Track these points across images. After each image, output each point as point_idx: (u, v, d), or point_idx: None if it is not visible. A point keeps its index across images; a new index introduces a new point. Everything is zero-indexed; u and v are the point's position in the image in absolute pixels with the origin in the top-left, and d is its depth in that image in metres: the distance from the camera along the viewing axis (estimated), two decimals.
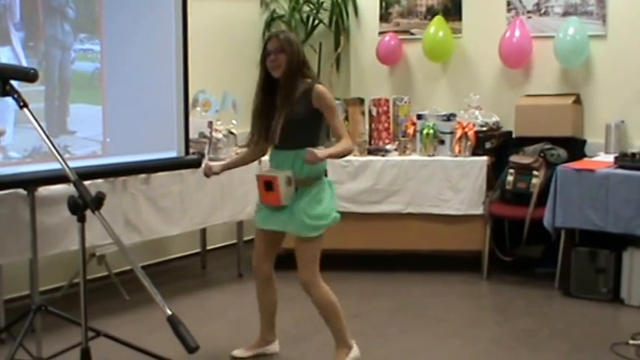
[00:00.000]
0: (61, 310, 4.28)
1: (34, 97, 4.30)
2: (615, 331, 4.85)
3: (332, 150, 4.03)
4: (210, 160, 5.65)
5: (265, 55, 4.11)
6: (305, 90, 4.06)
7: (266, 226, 4.27)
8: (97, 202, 2.70)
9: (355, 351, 4.31)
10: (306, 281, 4.20)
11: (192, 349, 2.64)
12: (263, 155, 4.51)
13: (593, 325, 5.00)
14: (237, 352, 4.52)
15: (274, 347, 4.59)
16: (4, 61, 4.24)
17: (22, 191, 4.47)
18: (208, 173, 4.50)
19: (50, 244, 4.68)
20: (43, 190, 4.55)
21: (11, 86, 2.90)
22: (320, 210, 4.11)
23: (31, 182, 4.44)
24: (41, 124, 2.98)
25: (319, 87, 4.08)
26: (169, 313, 2.64)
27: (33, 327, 4.21)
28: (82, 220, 2.75)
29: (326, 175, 4.19)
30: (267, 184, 4.10)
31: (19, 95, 2.89)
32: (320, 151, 3.92)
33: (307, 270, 4.19)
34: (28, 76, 3.01)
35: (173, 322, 2.64)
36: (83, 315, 2.96)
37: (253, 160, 4.60)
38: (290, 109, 4.05)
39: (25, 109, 2.86)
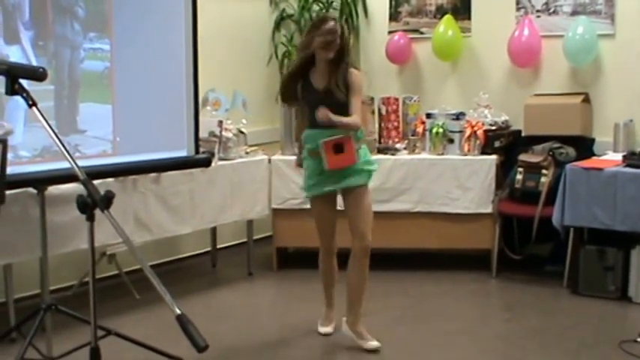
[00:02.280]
0: (72, 309, 4.26)
1: (44, 96, 4.29)
2: (623, 329, 4.82)
3: (342, 118, 4.24)
4: (221, 159, 5.64)
5: (318, 33, 4.26)
6: (346, 72, 4.32)
7: (324, 188, 4.41)
8: (106, 201, 2.67)
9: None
10: (369, 246, 4.40)
11: (201, 348, 2.61)
12: None
13: (601, 323, 4.97)
14: (323, 330, 4.73)
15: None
16: (14, 60, 4.22)
17: (32, 190, 4.45)
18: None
19: (60, 243, 4.66)
20: (54, 189, 4.53)
21: (20, 85, 2.88)
22: (369, 155, 4.49)
23: (41, 181, 4.42)
24: (51, 123, 2.95)
25: (355, 70, 4.37)
26: (178, 312, 2.62)
27: (43, 326, 4.20)
28: (91, 219, 2.72)
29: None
30: (337, 147, 4.25)
31: (28, 94, 2.87)
32: (332, 115, 4.19)
33: (370, 232, 4.38)
34: (37, 74, 2.99)
35: (182, 322, 2.62)
36: (92, 314, 2.94)
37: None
38: (339, 83, 4.27)
39: (34, 108, 2.83)
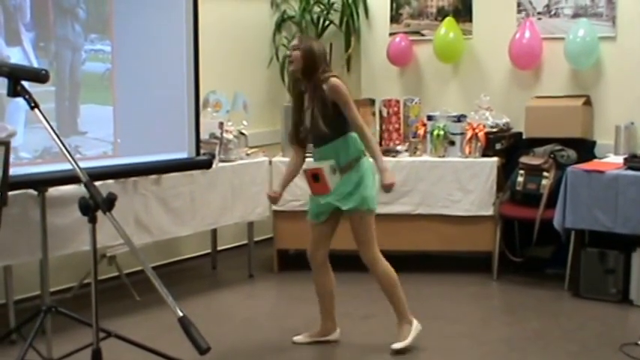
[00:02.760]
0: (71, 310, 4.27)
1: (45, 97, 4.28)
2: (624, 332, 4.82)
3: (381, 159, 4.35)
4: (221, 161, 5.64)
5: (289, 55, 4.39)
6: (323, 86, 4.27)
7: (319, 218, 4.49)
8: (108, 203, 2.68)
9: (417, 325, 4.57)
10: (370, 259, 4.44)
11: (203, 350, 2.62)
12: (304, 155, 4.63)
13: (603, 326, 4.97)
14: (297, 338, 4.68)
15: (335, 335, 4.71)
16: (15, 61, 4.23)
17: (32, 192, 4.45)
18: (275, 201, 4.69)
19: (61, 244, 4.67)
20: (54, 191, 4.53)
21: (22, 87, 2.88)
22: (371, 177, 4.43)
23: (41, 183, 4.42)
24: (52, 124, 2.96)
25: (333, 80, 4.28)
26: (180, 314, 2.62)
27: (43, 328, 4.20)
28: (93, 221, 2.72)
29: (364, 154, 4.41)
30: (314, 176, 4.36)
31: (30, 96, 2.87)
32: (389, 176, 4.34)
33: (369, 248, 4.43)
34: (40, 76, 3.00)
35: (184, 324, 2.62)
36: (94, 315, 2.94)
37: (302, 164, 4.61)
38: (316, 107, 4.28)
39: (36, 110, 2.84)
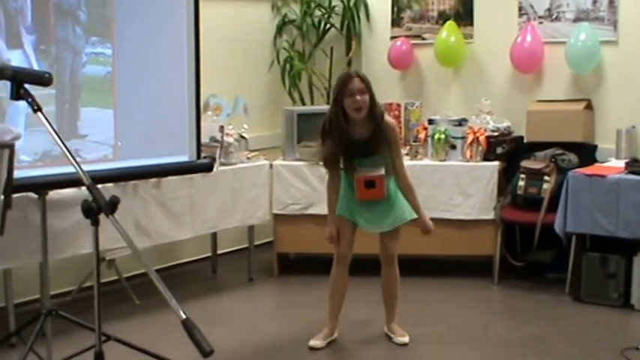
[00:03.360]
0: (71, 314, 4.27)
1: (45, 100, 4.26)
2: (626, 337, 4.83)
3: (417, 202, 4.61)
4: (222, 164, 5.65)
5: (346, 94, 4.34)
6: (381, 121, 4.43)
7: (354, 218, 4.61)
8: (111, 206, 2.69)
9: None
10: (394, 255, 4.70)
11: (207, 353, 2.63)
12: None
13: (604, 331, 4.98)
14: (315, 343, 4.68)
15: (337, 333, 4.80)
16: (16, 64, 4.24)
17: (32, 195, 4.47)
18: (335, 238, 4.67)
19: (61, 247, 4.68)
20: (54, 194, 4.55)
21: (25, 90, 2.90)
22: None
23: (41, 186, 4.44)
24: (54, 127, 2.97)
25: (389, 120, 4.52)
26: (184, 316, 2.63)
27: (43, 331, 4.21)
28: (95, 224, 2.74)
29: None
30: (368, 183, 4.46)
31: (33, 99, 2.89)
32: (428, 223, 4.64)
33: (396, 245, 4.68)
34: (43, 80, 3.01)
35: (188, 326, 2.63)
36: (97, 319, 2.95)
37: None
38: (378, 145, 4.43)
39: (39, 113, 2.85)
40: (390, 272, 4.73)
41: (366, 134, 4.42)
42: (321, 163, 4.55)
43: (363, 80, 4.35)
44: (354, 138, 4.42)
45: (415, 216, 4.60)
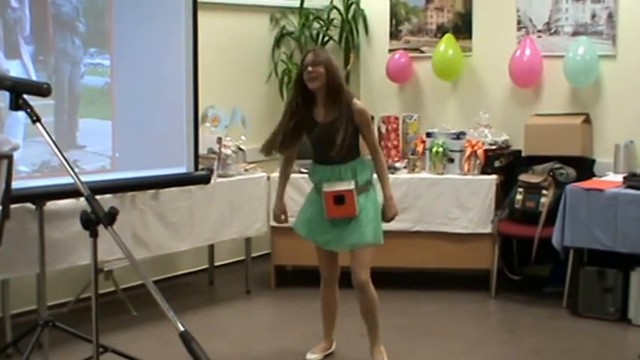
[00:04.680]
0: (68, 325, 4.28)
1: (43, 110, 4.27)
2: (622, 351, 4.85)
3: (389, 186, 4.39)
4: (219, 176, 5.66)
5: (302, 69, 4.27)
6: (347, 106, 4.24)
7: (319, 239, 4.45)
8: (110, 217, 2.69)
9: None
10: (364, 281, 4.37)
11: None
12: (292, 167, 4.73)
13: (601, 345, 4.99)
14: (311, 357, 4.65)
15: (333, 347, 4.77)
16: (14, 74, 4.25)
17: (30, 205, 4.48)
18: (280, 220, 4.71)
19: (58, 258, 4.68)
20: (52, 205, 4.56)
21: (24, 100, 2.90)
22: (378, 204, 4.41)
23: (39, 196, 4.45)
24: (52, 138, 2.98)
25: (357, 102, 4.30)
26: (182, 329, 2.63)
27: (40, 342, 4.21)
28: (94, 235, 2.74)
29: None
30: (337, 199, 4.25)
31: (32, 109, 2.89)
32: (394, 205, 4.36)
33: (366, 271, 4.38)
34: (42, 90, 3.02)
35: (186, 339, 2.62)
36: (94, 330, 2.95)
37: (291, 171, 4.73)
38: (342, 126, 4.20)
39: (38, 124, 2.86)
40: (364, 298, 4.43)
41: (330, 118, 4.24)
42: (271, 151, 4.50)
43: (319, 54, 4.25)
44: (317, 120, 4.29)
45: (381, 242, 4.40)
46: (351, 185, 4.25)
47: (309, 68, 4.20)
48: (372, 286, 4.42)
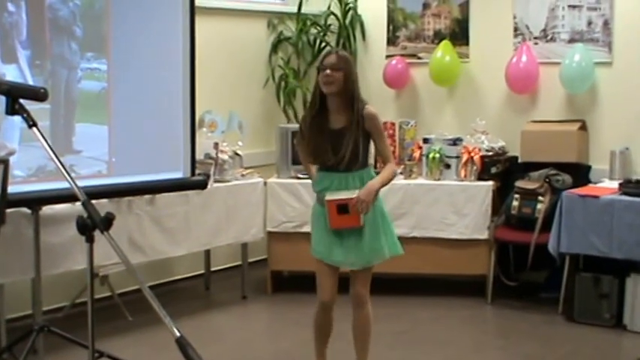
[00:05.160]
0: (63, 330, 4.26)
1: (40, 115, 4.27)
2: (618, 357, 4.85)
3: (383, 178, 4.07)
4: (216, 181, 5.65)
5: (320, 69, 4.04)
6: (359, 113, 4.03)
7: (333, 258, 4.13)
8: (107, 222, 2.68)
9: None
10: (364, 295, 4.19)
11: None
12: None
13: (596, 351, 4.99)
14: None
15: None
16: (10, 78, 4.24)
17: (26, 210, 4.46)
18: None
19: (54, 263, 4.67)
20: (47, 210, 4.54)
21: (20, 105, 2.89)
22: (392, 226, 4.22)
23: (35, 201, 4.44)
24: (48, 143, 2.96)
25: (370, 108, 4.09)
26: (178, 334, 2.61)
27: (35, 348, 4.19)
28: (90, 240, 2.73)
29: None
30: (340, 208, 4.00)
31: (29, 114, 2.88)
32: (372, 185, 4.00)
33: (367, 285, 4.20)
34: (38, 95, 3.01)
35: (182, 344, 2.61)
36: (90, 335, 2.93)
37: None
38: (354, 133, 4.01)
39: (34, 129, 2.85)
40: (362, 314, 4.22)
41: (342, 123, 4.02)
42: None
43: (341, 58, 4.02)
44: (329, 127, 4.05)
45: (399, 252, 4.22)
46: (355, 194, 3.99)
47: (328, 71, 3.98)
48: (369, 303, 4.23)
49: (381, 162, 4.20)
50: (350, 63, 4.08)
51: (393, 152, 6.26)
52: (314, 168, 4.23)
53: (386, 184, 4.11)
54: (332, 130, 4.05)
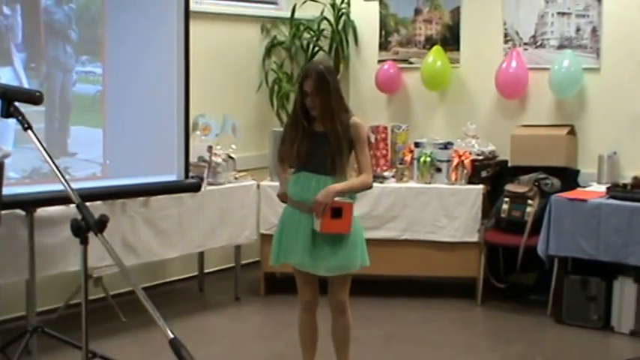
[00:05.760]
0: (57, 331, 4.23)
1: (35, 117, 4.23)
2: (605, 358, 4.85)
3: (348, 184, 3.95)
4: (210, 184, 5.63)
5: (302, 91, 3.96)
6: (345, 122, 3.96)
7: (317, 271, 4.03)
8: (100, 224, 2.65)
9: None
10: (344, 302, 4.10)
11: None
12: None
13: (584, 352, 5.00)
14: None
15: None
16: (5, 81, 4.21)
17: (20, 212, 4.43)
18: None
19: (48, 265, 4.64)
20: (42, 211, 4.51)
21: (15, 108, 2.86)
22: (363, 232, 4.10)
23: (30, 203, 4.41)
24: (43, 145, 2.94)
25: (356, 120, 4.01)
26: (171, 336, 2.58)
27: (29, 349, 4.16)
28: (84, 242, 2.70)
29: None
30: (335, 211, 3.82)
31: (24, 117, 2.85)
32: (332, 188, 3.86)
33: (346, 292, 4.10)
34: (34, 98, 2.98)
35: (175, 346, 2.58)
36: (84, 336, 2.90)
37: None
38: (339, 138, 3.93)
39: (29, 131, 2.82)
40: (341, 320, 4.13)
41: (325, 128, 3.94)
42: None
43: (318, 83, 3.88)
44: (314, 129, 3.97)
45: (367, 263, 4.06)
46: (347, 200, 3.90)
47: (309, 98, 3.93)
48: (348, 309, 4.13)
49: (358, 173, 4.06)
50: (327, 82, 3.93)
51: (385, 156, 6.26)
52: (288, 173, 4.14)
53: (351, 192, 3.98)
54: (316, 132, 3.98)
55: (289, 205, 4.10)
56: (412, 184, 6.04)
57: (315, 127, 4.00)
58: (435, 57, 6.50)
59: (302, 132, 4.01)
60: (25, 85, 4.39)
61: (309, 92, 3.91)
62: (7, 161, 4.25)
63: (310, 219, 3.92)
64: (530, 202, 5.72)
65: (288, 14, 6.95)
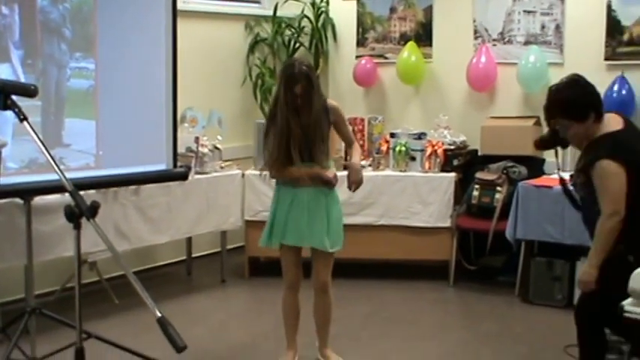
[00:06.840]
0: (54, 312, 4.25)
1: (31, 111, 4.24)
2: (569, 335, 4.82)
3: (359, 156, 4.34)
4: (197, 173, 5.64)
5: (288, 91, 4.01)
6: (323, 108, 4.13)
7: (302, 243, 4.21)
8: (92, 210, 2.68)
9: None
10: (327, 282, 4.25)
11: (180, 348, 2.61)
12: None
13: (549, 329, 5.04)
14: None
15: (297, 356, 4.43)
16: (3, 76, 4.21)
17: (18, 200, 4.43)
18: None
19: (45, 250, 4.64)
20: (39, 200, 4.52)
21: (12, 101, 2.88)
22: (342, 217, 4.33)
23: (27, 192, 4.41)
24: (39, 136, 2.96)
25: (332, 102, 4.25)
26: (159, 315, 2.61)
27: (27, 328, 4.17)
28: (77, 227, 2.72)
29: None
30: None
31: (20, 109, 2.88)
32: (357, 164, 4.26)
33: (329, 273, 4.26)
34: (29, 91, 3.01)
35: (162, 324, 2.61)
36: (78, 317, 2.93)
37: None
38: (321, 126, 4.11)
39: (25, 123, 2.84)
40: (325, 300, 4.26)
41: (307, 121, 4.03)
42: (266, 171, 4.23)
43: (306, 87, 4.00)
44: (302, 123, 4.05)
45: (340, 247, 4.22)
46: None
47: (298, 101, 4.00)
48: (331, 288, 4.26)
49: (347, 146, 4.41)
50: (313, 83, 4.05)
51: (362, 146, 6.30)
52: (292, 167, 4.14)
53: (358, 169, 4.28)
54: (303, 125, 4.06)
55: (282, 185, 4.25)
56: (388, 172, 6.07)
57: (302, 121, 4.06)
58: (410, 52, 6.53)
59: (291, 128, 4.05)
60: (22, 80, 4.39)
61: (298, 94, 4.01)
62: (5, 152, 4.28)
63: (305, 196, 4.14)
64: (499, 189, 5.76)
65: (270, 12, 6.95)
